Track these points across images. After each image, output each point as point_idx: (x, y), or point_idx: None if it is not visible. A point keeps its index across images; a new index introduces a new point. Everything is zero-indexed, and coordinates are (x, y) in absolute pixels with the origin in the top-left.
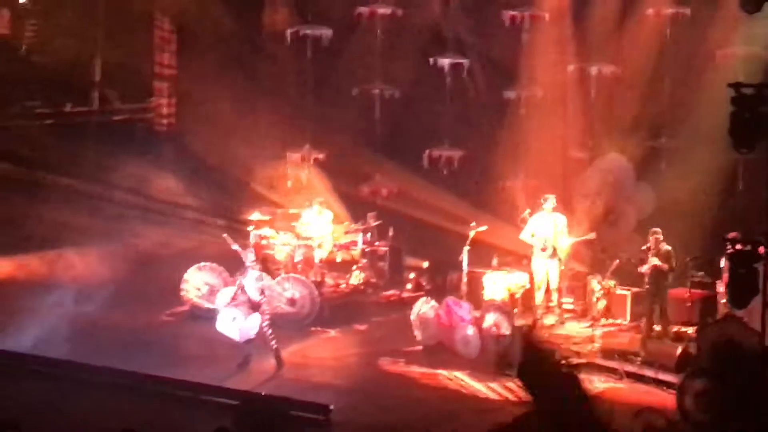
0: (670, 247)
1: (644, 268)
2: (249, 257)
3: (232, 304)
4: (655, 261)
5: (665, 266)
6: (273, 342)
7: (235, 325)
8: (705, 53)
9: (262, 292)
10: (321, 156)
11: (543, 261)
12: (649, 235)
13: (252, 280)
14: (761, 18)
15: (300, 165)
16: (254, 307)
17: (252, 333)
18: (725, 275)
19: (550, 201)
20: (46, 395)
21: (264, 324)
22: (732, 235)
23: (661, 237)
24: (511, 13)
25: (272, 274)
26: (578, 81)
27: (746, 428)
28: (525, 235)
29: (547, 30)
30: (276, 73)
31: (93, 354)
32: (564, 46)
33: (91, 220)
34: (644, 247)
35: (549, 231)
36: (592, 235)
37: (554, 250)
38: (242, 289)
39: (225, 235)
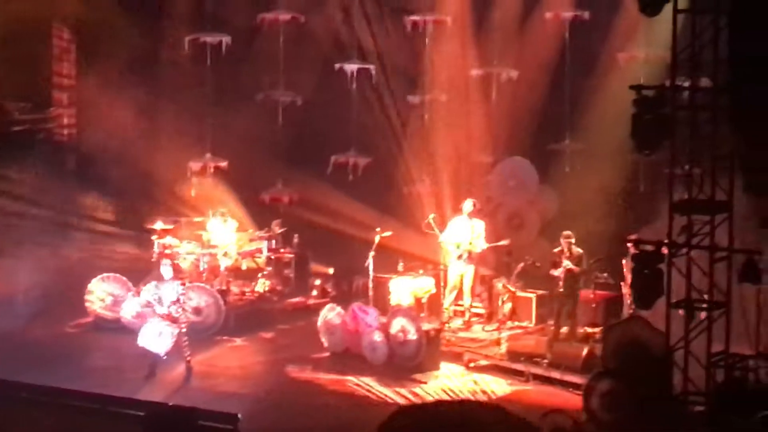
0: (581, 251)
1: (558, 272)
2: (167, 270)
3: (153, 317)
4: (568, 264)
5: (578, 269)
6: (187, 352)
7: (161, 339)
8: (606, 56)
9: (180, 302)
10: (223, 164)
11: (458, 265)
12: (561, 238)
13: (170, 292)
14: (661, 21)
15: (202, 173)
16: (172, 319)
17: (170, 345)
18: (628, 276)
19: (468, 205)
20: None
21: (182, 334)
22: (634, 236)
23: (573, 240)
24: (414, 18)
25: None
26: (481, 85)
27: (650, 427)
28: (444, 238)
29: (450, 35)
30: (176, 81)
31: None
32: (466, 50)
33: None
34: (556, 250)
35: (466, 236)
36: (506, 242)
37: (470, 255)
38: (159, 300)
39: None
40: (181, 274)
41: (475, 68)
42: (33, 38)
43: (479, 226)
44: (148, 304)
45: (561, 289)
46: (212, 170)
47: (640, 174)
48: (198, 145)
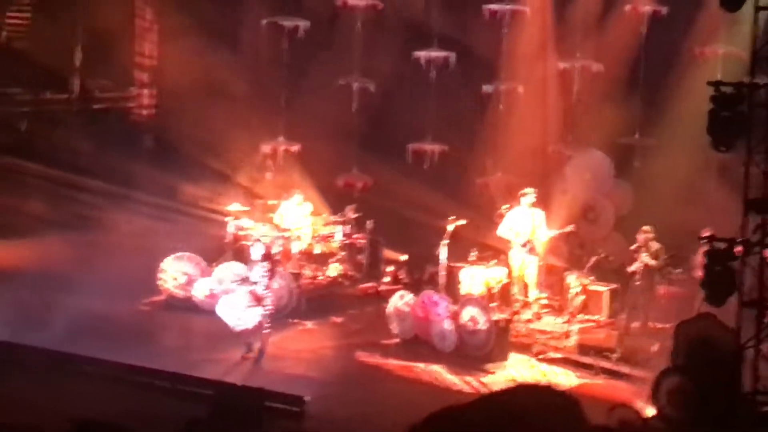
0: (659, 245)
1: (635, 266)
2: (257, 251)
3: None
4: (647, 260)
5: (655, 264)
6: (268, 332)
7: (243, 315)
8: (684, 51)
9: (268, 287)
10: (295, 148)
11: (520, 256)
12: (640, 233)
13: (258, 272)
14: (741, 17)
15: (273, 156)
16: (257, 298)
17: (249, 325)
18: (699, 272)
19: (529, 196)
20: (24, 383)
21: (265, 316)
22: (706, 232)
23: (651, 235)
24: (492, 7)
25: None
26: (558, 77)
27: (718, 425)
28: (502, 230)
29: (529, 25)
30: (254, 64)
31: (69, 343)
32: (545, 41)
33: (69, 208)
34: (633, 247)
35: (527, 226)
36: (571, 227)
37: (532, 244)
38: (247, 281)
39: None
40: (271, 257)
41: (557, 60)
42: (116, 17)
43: (539, 215)
44: (237, 281)
45: (638, 283)
46: (283, 154)
47: (713, 171)
48: (273, 128)
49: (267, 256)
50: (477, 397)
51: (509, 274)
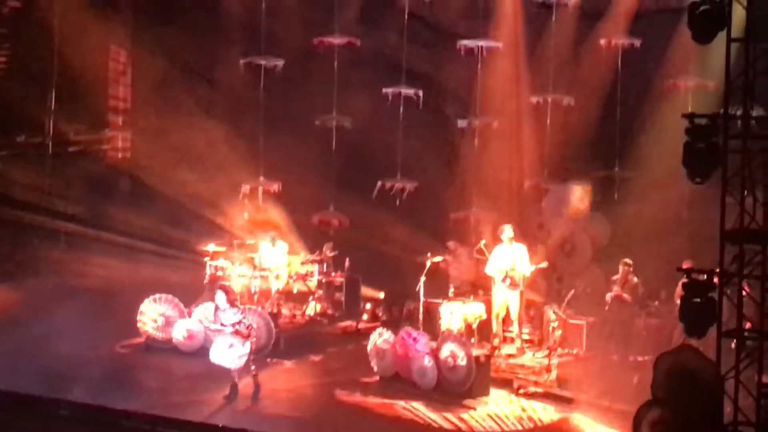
0: (637, 280)
1: (608, 296)
2: (221, 299)
3: (220, 335)
4: (617, 290)
5: (628, 297)
6: (253, 367)
7: (232, 352)
8: (658, 84)
9: (243, 323)
10: (275, 187)
11: (503, 291)
12: (620, 265)
13: (231, 317)
14: (714, 49)
15: (253, 196)
16: (241, 334)
17: (243, 362)
18: (678, 304)
19: (508, 231)
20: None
21: (250, 350)
22: (686, 264)
23: (631, 269)
24: (466, 43)
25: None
26: (533, 111)
27: None
28: (488, 268)
29: (502, 60)
30: (230, 105)
31: (48, 387)
32: (518, 76)
33: (45, 252)
34: (614, 278)
35: (508, 261)
36: (544, 264)
37: (512, 280)
38: (220, 326)
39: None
40: (233, 296)
41: (531, 94)
42: (90, 60)
43: (521, 250)
44: (214, 329)
45: (607, 312)
46: (262, 193)
47: (688, 202)
48: (251, 168)
49: (232, 302)
50: None
51: (488, 310)
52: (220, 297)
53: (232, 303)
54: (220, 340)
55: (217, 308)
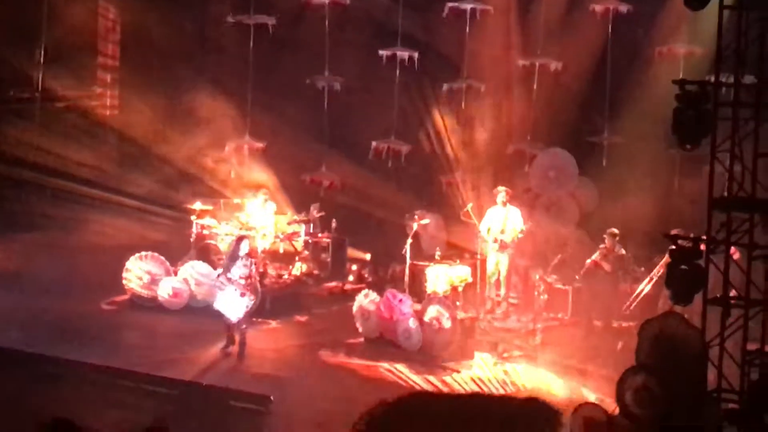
0: (624, 253)
1: (587, 262)
2: (243, 248)
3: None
4: (596, 257)
5: (608, 267)
6: (243, 326)
7: (235, 305)
8: (649, 50)
9: (251, 276)
10: (261, 145)
11: (494, 254)
12: (606, 235)
13: (241, 268)
14: (706, 16)
15: (238, 154)
16: (246, 289)
17: (242, 313)
18: (660, 271)
19: (501, 194)
20: None
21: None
22: (674, 231)
23: (617, 238)
24: (453, 5)
25: (214, 264)
26: (522, 75)
27: (684, 423)
28: (482, 229)
29: (492, 24)
30: (219, 63)
31: (33, 343)
32: (509, 40)
33: (31, 207)
34: (601, 246)
35: (500, 224)
36: (528, 225)
37: (502, 242)
38: (227, 270)
39: None
40: (219, 255)
41: (519, 58)
42: (79, 16)
43: (514, 213)
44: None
45: (578, 277)
46: (248, 151)
47: (676, 169)
48: (238, 127)
49: (251, 253)
50: (456, 393)
51: (473, 273)
52: (243, 245)
53: (249, 253)
54: (230, 289)
55: (232, 258)
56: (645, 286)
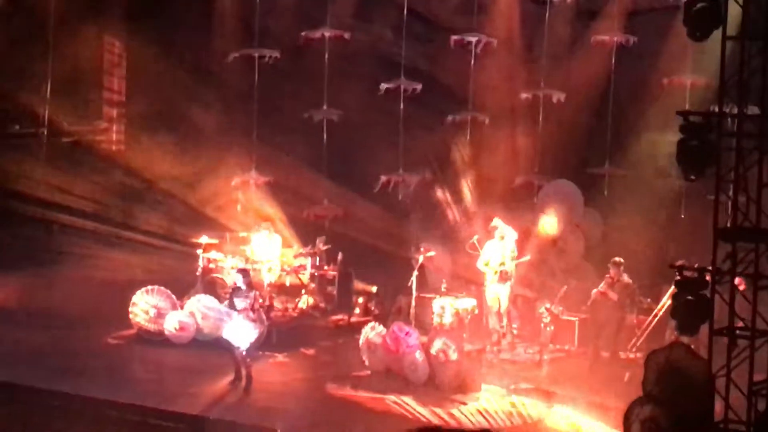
0: (630, 281)
1: (592, 293)
2: (241, 281)
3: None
4: (602, 287)
5: (614, 296)
6: (250, 360)
7: (244, 334)
8: (653, 81)
9: (254, 308)
10: (267, 179)
11: (494, 286)
12: (610, 265)
13: (243, 301)
14: (709, 47)
15: (244, 188)
16: (250, 318)
17: (252, 339)
18: (669, 302)
19: (497, 224)
20: None
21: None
22: (679, 262)
23: (622, 267)
24: (457, 38)
25: (220, 298)
26: (527, 107)
27: None
28: (479, 264)
29: (496, 56)
30: (224, 97)
31: (41, 378)
32: (513, 72)
33: (39, 243)
34: (607, 276)
35: (499, 256)
36: (527, 257)
37: (501, 274)
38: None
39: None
40: (225, 289)
41: (522, 91)
42: (85, 51)
43: (510, 243)
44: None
45: (589, 309)
46: (254, 186)
47: (681, 200)
48: (243, 161)
49: (249, 284)
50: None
51: (479, 305)
52: (239, 278)
53: (249, 285)
54: (237, 318)
55: (233, 291)
56: (653, 319)
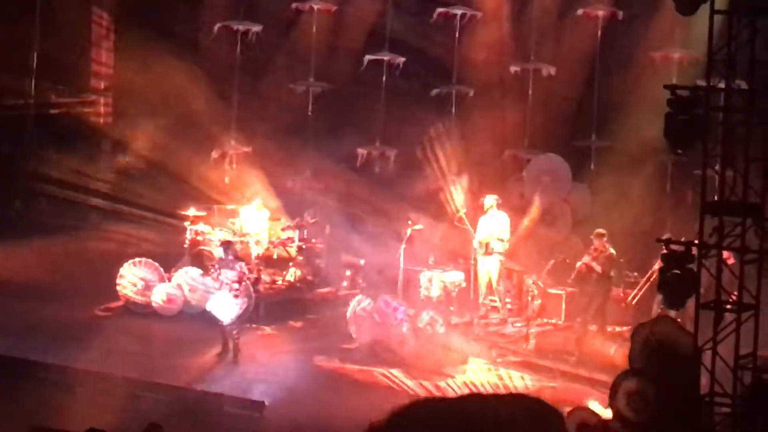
0: (613, 252)
1: (577, 264)
2: (228, 252)
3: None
4: (586, 259)
5: (598, 268)
6: (237, 333)
7: (228, 308)
8: (640, 55)
9: (242, 280)
10: (246, 150)
11: (483, 260)
12: (593, 236)
13: (231, 273)
14: (697, 21)
15: (232, 160)
16: (235, 292)
17: (235, 314)
18: (656, 276)
19: (488, 201)
20: None
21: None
22: (666, 236)
23: (605, 238)
24: (442, 10)
25: (208, 270)
26: (514, 80)
27: (676, 427)
28: (474, 241)
29: (484, 29)
30: (210, 69)
31: (26, 349)
32: (501, 45)
33: (26, 213)
34: (592, 248)
35: (487, 231)
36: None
37: (487, 247)
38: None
39: None
40: (212, 261)
41: (511, 64)
42: (73, 23)
43: (502, 219)
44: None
45: (570, 280)
46: (234, 156)
47: (667, 173)
48: (230, 132)
49: (236, 255)
50: (464, 395)
51: (467, 278)
52: (221, 251)
53: (236, 257)
54: (221, 292)
55: (220, 263)
56: (639, 291)
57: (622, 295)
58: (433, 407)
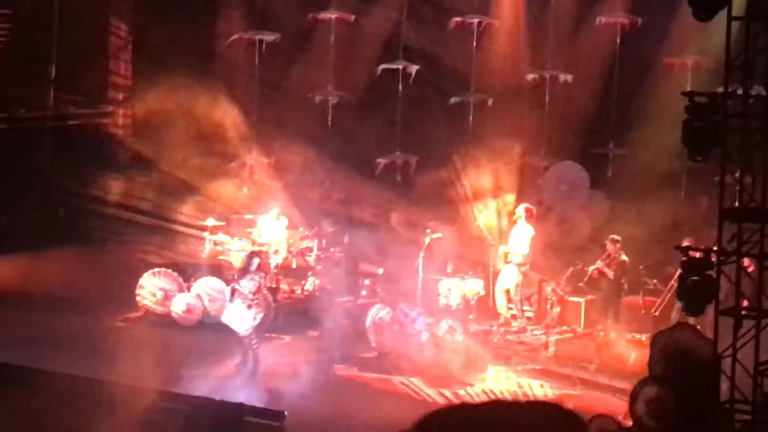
0: (626, 258)
1: (590, 269)
2: (254, 263)
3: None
4: (599, 264)
5: (610, 273)
6: (254, 340)
7: (243, 319)
8: (658, 62)
9: (260, 291)
10: (267, 161)
11: (503, 269)
12: (607, 242)
13: (250, 283)
14: (715, 28)
15: (247, 169)
16: (250, 303)
17: (251, 325)
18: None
19: (517, 211)
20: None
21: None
22: (685, 242)
23: (619, 245)
24: (458, 19)
25: (227, 280)
26: (532, 88)
27: None
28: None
29: (501, 37)
30: (228, 80)
31: (46, 360)
32: (518, 53)
33: (45, 225)
34: (605, 253)
35: (512, 241)
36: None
37: (506, 256)
38: (236, 291)
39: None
40: (231, 271)
41: (528, 71)
42: (91, 34)
43: (526, 231)
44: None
45: (599, 292)
46: (256, 167)
47: (682, 181)
48: (248, 143)
49: (261, 268)
50: (486, 401)
51: (486, 286)
52: (256, 262)
53: (258, 268)
54: (237, 302)
55: (242, 272)
56: (663, 300)
57: (641, 302)
58: (459, 414)
